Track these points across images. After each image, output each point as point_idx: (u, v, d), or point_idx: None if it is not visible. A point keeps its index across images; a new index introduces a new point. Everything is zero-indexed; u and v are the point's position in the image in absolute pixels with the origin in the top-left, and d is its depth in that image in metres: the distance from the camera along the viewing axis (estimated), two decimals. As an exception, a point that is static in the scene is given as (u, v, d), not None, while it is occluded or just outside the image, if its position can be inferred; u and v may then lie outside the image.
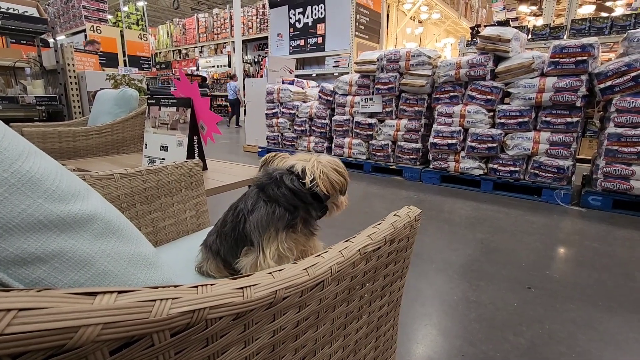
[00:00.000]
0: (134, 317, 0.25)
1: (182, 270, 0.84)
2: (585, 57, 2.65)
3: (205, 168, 1.68)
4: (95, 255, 0.30)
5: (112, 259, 0.32)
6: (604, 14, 5.92)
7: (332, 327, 0.51)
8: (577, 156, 2.92)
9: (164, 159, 1.72)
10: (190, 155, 1.60)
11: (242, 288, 0.34)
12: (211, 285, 0.33)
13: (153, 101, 1.76)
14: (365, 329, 0.60)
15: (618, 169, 2.57)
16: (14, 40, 4.31)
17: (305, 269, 0.42)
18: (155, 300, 0.27)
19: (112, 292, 0.26)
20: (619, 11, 6.41)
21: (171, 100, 1.67)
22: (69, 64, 3.45)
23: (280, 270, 0.40)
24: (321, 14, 6.27)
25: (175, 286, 0.31)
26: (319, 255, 0.46)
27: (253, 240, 0.69)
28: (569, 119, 2.76)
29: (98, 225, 0.32)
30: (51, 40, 3.47)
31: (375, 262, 0.55)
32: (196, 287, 0.31)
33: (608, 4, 6.56)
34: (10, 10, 3.11)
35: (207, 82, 11.24)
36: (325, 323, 0.49)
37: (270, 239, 0.68)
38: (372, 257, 0.53)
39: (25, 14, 3.22)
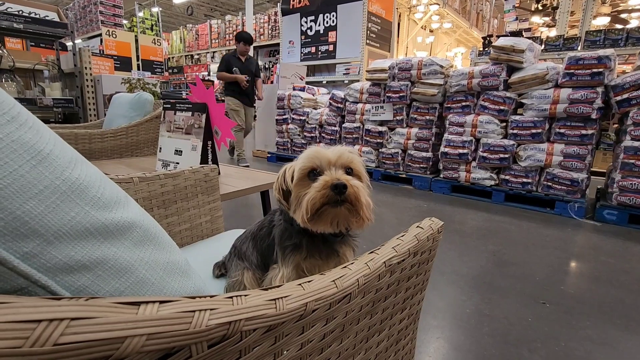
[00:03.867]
0: (176, 327, 0.25)
1: (198, 276, 0.84)
2: (601, 69, 2.63)
3: (218, 173, 1.69)
4: (134, 263, 0.30)
5: (149, 267, 0.32)
6: (618, 26, 5.87)
7: (355, 340, 0.50)
8: (591, 169, 2.87)
9: (177, 163, 1.74)
10: (204, 160, 1.62)
11: (274, 300, 0.34)
12: (245, 296, 0.32)
13: (169, 106, 1.79)
14: (386, 342, 0.59)
15: (635, 183, 2.52)
16: (33, 44, 4.42)
17: (334, 280, 0.42)
18: (194, 311, 0.27)
19: (154, 302, 0.25)
20: (634, 23, 6.35)
21: (187, 105, 1.69)
22: (86, 68, 3.53)
23: (309, 282, 0.40)
24: (333, 22, 6.32)
25: (210, 296, 0.30)
26: (345, 267, 0.45)
27: (276, 256, 0.68)
28: (583, 131, 2.72)
29: (137, 233, 0.32)
30: (69, 44, 3.55)
31: (399, 275, 0.54)
32: (231, 297, 0.31)
33: (623, 15, 6.51)
34: (32, 15, 3.19)
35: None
36: (350, 336, 0.48)
37: (285, 260, 0.65)
38: (397, 270, 0.53)
39: (46, 18, 3.30)
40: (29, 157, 0.25)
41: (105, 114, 2.73)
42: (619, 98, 2.60)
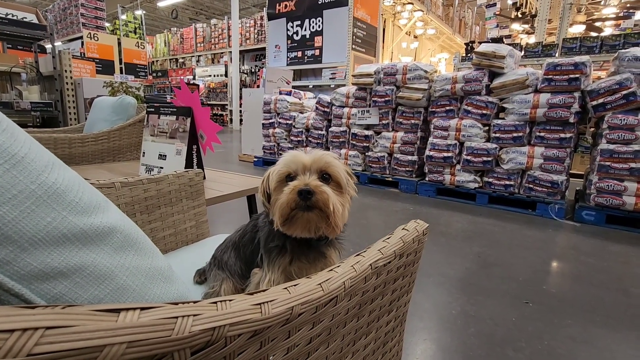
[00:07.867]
0: (157, 335, 0.25)
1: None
2: (577, 75, 2.72)
3: (203, 177, 1.66)
4: (114, 270, 0.29)
5: (130, 273, 0.31)
6: (593, 34, 6.11)
7: (342, 343, 0.50)
8: (570, 171, 2.96)
9: (162, 168, 1.71)
10: (189, 164, 1.59)
11: (260, 304, 0.33)
12: (230, 301, 0.32)
13: (153, 109, 1.76)
14: (373, 345, 0.59)
15: (611, 185, 2.61)
16: (10, 46, 4.29)
17: (320, 284, 0.41)
18: (177, 318, 0.26)
19: (135, 308, 0.25)
20: (607, 31, 6.61)
21: (171, 109, 1.67)
22: (66, 71, 3.44)
23: (295, 285, 0.39)
24: (319, 27, 6.36)
25: (194, 302, 0.30)
26: (332, 270, 0.45)
27: (261, 260, 0.67)
28: (562, 135, 2.81)
29: (117, 238, 0.31)
30: (49, 47, 3.46)
31: (385, 277, 0.54)
32: (215, 303, 0.31)
33: (597, 24, 6.77)
34: (9, 16, 3.10)
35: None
36: (336, 339, 0.48)
37: (271, 263, 0.64)
38: (383, 272, 0.53)
39: (24, 20, 3.21)
40: (1, 161, 0.24)
41: (86, 118, 2.66)
42: (595, 103, 2.69)
